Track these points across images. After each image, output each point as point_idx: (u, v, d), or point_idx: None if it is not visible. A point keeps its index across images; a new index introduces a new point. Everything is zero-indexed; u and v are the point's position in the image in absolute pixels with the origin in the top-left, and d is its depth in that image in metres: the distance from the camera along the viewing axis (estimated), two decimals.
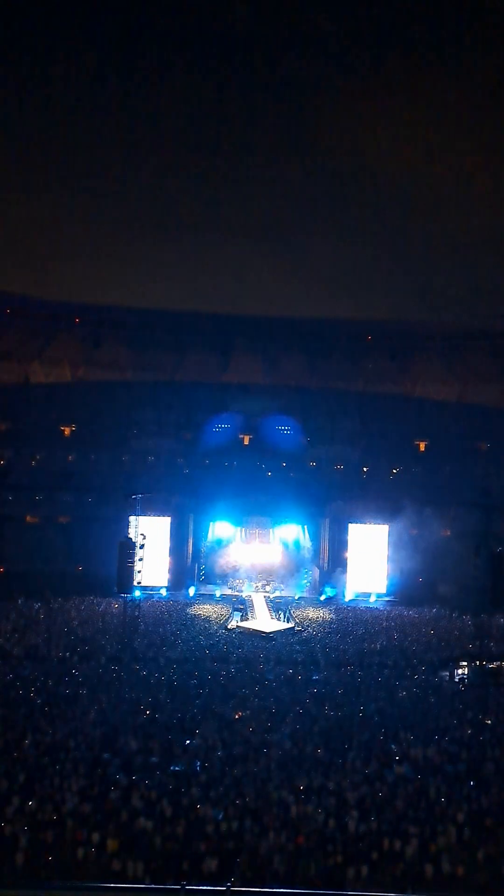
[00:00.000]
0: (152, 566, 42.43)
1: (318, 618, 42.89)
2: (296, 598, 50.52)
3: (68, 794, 16.59)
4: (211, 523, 56.07)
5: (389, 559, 50.49)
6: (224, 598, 49.47)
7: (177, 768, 18.53)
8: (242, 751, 19.78)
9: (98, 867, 14.13)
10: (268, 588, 52.66)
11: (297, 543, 56.88)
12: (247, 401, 61.96)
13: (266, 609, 44.99)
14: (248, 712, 23.09)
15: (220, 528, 56.37)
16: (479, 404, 65.88)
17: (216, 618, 41.80)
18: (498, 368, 68.05)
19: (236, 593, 51.41)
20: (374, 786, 17.80)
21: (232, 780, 17.88)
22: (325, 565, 54.46)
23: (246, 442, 60.36)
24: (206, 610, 44.07)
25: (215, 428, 59.68)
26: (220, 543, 56.33)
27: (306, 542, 56.89)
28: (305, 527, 56.55)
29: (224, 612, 44.05)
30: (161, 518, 49.22)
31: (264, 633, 37.73)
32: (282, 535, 56.43)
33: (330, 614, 44.00)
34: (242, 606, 46.38)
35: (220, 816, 15.80)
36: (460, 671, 30.57)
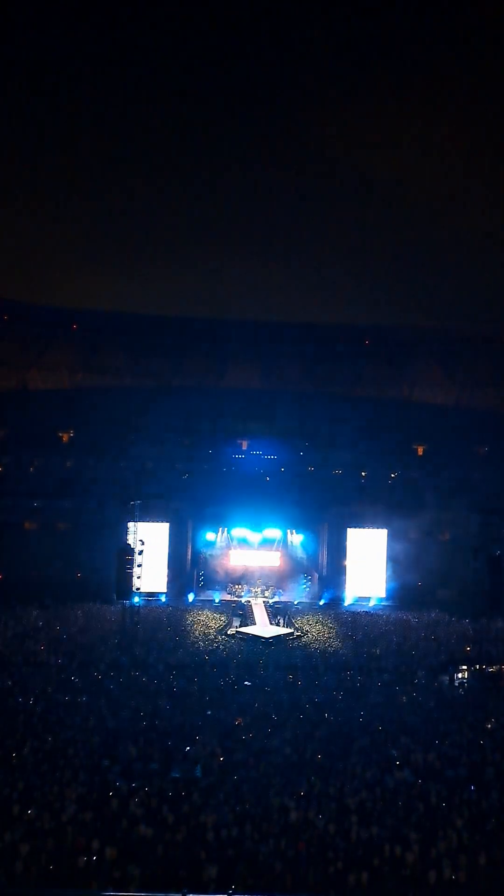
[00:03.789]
0: (151, 572, 42.48)
1: (317, 622, 42.84)
2: (295, 603, 50.47)
3: (67, 801, 16.54)
4: (210, 529, 56.03)
5: (388, 563, 50.49)
6: (223, 604, 49.41)
7: (177, 775, 18.48)
8: (242, 757, 19.73)
9: (98, 875, 14.06)
10: (267, 593, 52.58)
11: (296, 548, 56.83)
12: (244, 406, 62.04)
13: (265, 614, 44.93)
14: (247, 718, 23.04)
15: (218, 534, 56.33)
16: (477, 408, 66.05)
17: (215, 623, 41.72)
18: (496, 372, 68.23)
19: (236, 599, 51.33)
20: (375, 791, 17.75)
21: (232, 786, 17.83)
22: (325, 570, 54.43)
23: (244, 447, 60.37)
24: (205, 615, 43.99)
25: (213, 433, 59.73)
26: (219, 549, 56.25)
27: (305, 547, 56.83)
28: (304, 532, 56.50)
29: (223, 616, 43.99)
30: (160, 524, 49.21)
31: (264, 638, 37.67)
32: (281, 540, 56.39)
33: (329, 619, 43.96)
34: (242, 612, 46.31)
35: (227, 817, 15.77)
36: (460, 675, 30.55)
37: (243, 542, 56.12)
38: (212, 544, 56.25)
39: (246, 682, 27.18)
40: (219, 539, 56.33)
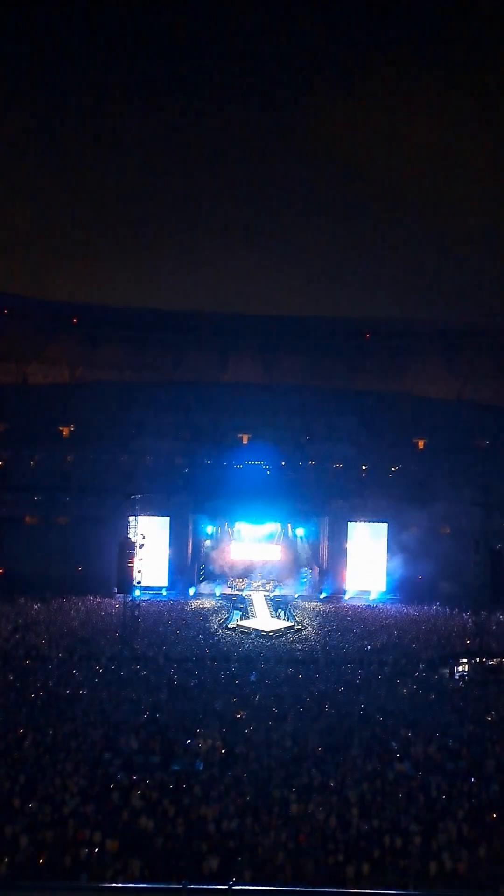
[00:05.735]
0: (152, 566, 42.49)
1: (317, 616, 42.90)
2: (296, 596, 50.54)
3: (69, 794, 16.59)
4: (210, 523, 56.06)
5: (389, 557, 50.56)
6: (224, 597, 49.48)
7: (177, 767, 18.54)
8: (243, 749, 19.78)
9: (100, 867, 14.12)
10: (268, 587, 52.67)
11: (296, 542, 56.89)
12: (245, 400, 61.94)
13: (266, 608, 45.01)
14: (248, 711, 23.09)
15: (219, 528, 56.36)
16: (477, 402, 65.94)
17: (216, 617, 41.81)
18: (496, 366, 68.10)
19: (236, 592, 51.41)
20: (375, 783, 17.80)
21: (233, 778, 17.88)
22: (325, 564, 54.49)
23: (245, 441, 60.32)
24: (205, 609, 44.07)
25: (214, 428, 59.67)
26: (219, 542, 56.30)
27: (306, 540, 56.89)
28: (305, 525, 56.54)
29: (224, 610, 44.07)
30: (160, 518, 49.23)
31: (264, 631, 37.74)
32: (281, 533, 56.43)
33: (330, 612, 44.02)
34: (242, 605, 46.40)
35: (227, 809, 15.80)
36: (460, 668, 30.58)
37: (244, 535, 56.14)
38: (212, 538, 56.29)
39: (251, 679, 27.26)
40: (219, 533, 56.37)
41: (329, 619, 41.70)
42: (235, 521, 55.59)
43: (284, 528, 56.52)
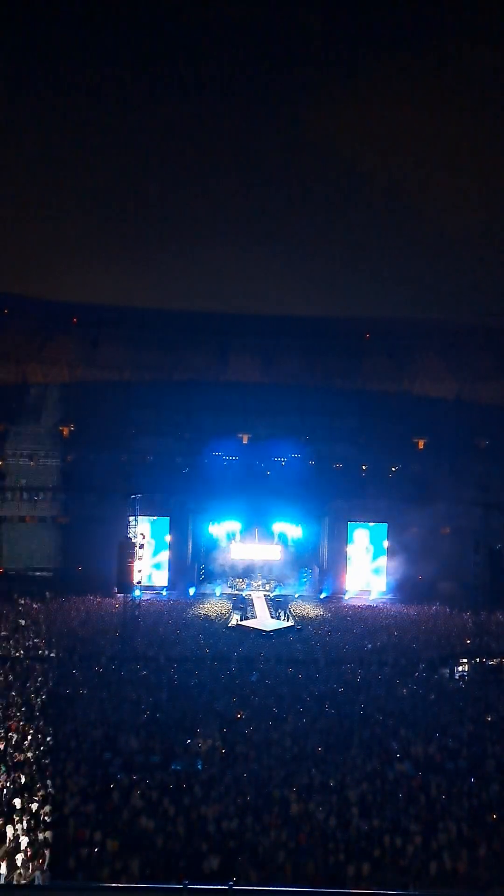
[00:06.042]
0: (152, 566, 42.58)
1: (317, 616, 42.91)
2: (296, 596, 50.53)
3: (69, 793, 16.60)
4: (210, 522, 56.06)
5: (389, 557, 50.58)
6: (224, 597, 49.49)
7: (178, 767, 18.55)
8: (243, 749, 19.78)
9: (99, 866, 14.12)
10: (268, 587, 52.66)
11: (296, 542, 56.87)
12: (245, 399, 61.96)
13: (266, 608, 45.01)
14: (248, 711, 23.10)
15: (219, 527, 56.36)
16: (477, 402, 65.89)
17: (216, 617, 41.82)
18: (497, 365, 68.01)
19: (236, 592, 51.41)
20: (375, 783, 17.81)
21: (233, 778, 17.89)
22: (326, 564, 54.48)
23: (245, 441, 60.32)
24: (206, 609, 44.07)
25: (214, 427, 59.71)
26: (219, 542, 56.30)
27: (306, 540, 56.85)
28: (305, 526, 56.52)
29: (224, 610, 44.07)
30: (160, 518, 49.26)
31: (264, 631, 37.75)
32: (281, 533, 56.42)
33: (330, 612, 44.03)
34: (242, 605, 46.40)
35: (228, 809, 15.80)
36: (460, 668, 30.60)
37: (244, 535, 56.12)
38: (212, 538, 56.28)
39: (251, 679, 27.32)
40: (219, 533, 56.36)
41: (329, 619, 41.70)
42: (235, 521, 55.55)
43: (285, 528, 56.46)
